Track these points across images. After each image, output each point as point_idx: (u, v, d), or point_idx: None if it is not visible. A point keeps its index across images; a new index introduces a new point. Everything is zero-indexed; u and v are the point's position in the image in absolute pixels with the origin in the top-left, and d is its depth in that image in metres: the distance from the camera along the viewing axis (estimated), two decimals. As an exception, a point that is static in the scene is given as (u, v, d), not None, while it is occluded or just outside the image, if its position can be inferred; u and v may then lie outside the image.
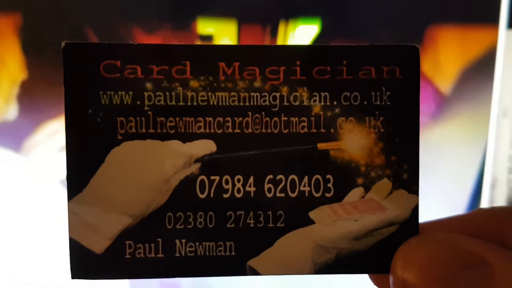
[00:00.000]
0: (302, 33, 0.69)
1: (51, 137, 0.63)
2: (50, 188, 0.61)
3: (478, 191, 0.65)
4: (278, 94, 0.21)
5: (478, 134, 0.66)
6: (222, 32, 0.69)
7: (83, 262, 0.21)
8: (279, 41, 0.70)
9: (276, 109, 0.21)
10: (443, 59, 0.65)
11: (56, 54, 0.64)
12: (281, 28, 0.70)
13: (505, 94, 0.65)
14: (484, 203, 0.65)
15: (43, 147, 0.62)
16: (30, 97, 0.63)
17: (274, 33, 0.69)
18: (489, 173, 0.65)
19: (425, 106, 0.65)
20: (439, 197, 0.64)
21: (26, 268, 0.59)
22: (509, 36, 0.65)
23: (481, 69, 0.65)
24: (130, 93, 0.20)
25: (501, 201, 0.65)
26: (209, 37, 0.68)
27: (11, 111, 0.62)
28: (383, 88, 0.22)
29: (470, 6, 0.64)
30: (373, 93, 0.22)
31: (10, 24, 0.60)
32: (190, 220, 0.21)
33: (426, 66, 0.65)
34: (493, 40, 0.65)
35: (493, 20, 0.64)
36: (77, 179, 0.21)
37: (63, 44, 0.21)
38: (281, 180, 0.21)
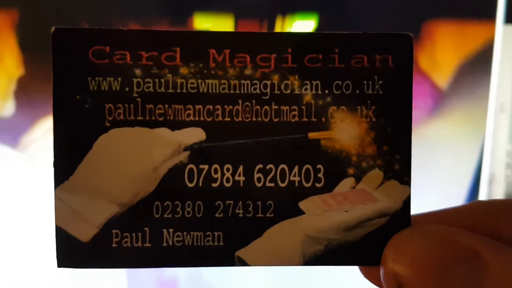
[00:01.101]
0: (299, 28, 0.69)
1: (48, 134, 0.63)
2: (47, 184, 0.61)
3: (475, 186, 0.65)
4: (269, 82, 0.21)
5: (476, 129, 0.66)
6: (219, 28, 0.69)
7: (69, 251, 0.20)
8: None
9: (266, 97, 0.21)
10: (440, 54, 0.65)
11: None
12: (278, 23, 0.70)
13: (502, 90, 0.65)
14: (482, 199, 0.65)
15: (40, 144, 0.62)
16: (27, 94, 0.63)
17: (271, 29, 0.69)
18: (486, 168, 0.65)
19: (422, 102, 0.65)
20: (437, 193, 0.64)
21: (21, 265, 0.60)
22: (506, 31, 0.64)
23: (478, 65, 0.65)
24: (119, 79, 0.20)
25: (499, 197, 0.65)
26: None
27: (8, 108, 0.62)
28: (376, 77, 0.21)
29: (467, 1, 0.64)
30: (365, 82, 0.21)
31: (7, 21, 0.60)
32: (178, 209, 0.21)
33: (423, 61, 0.65)
34: (490, 35, 0.65)
35: (490, 15, 0.64)
36: (64, 166, 0.20)
37: (52, 29, 0.20)
38: (271, 169, 0.21)
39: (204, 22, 0.68)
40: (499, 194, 0.65)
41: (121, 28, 0.20)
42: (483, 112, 0.65)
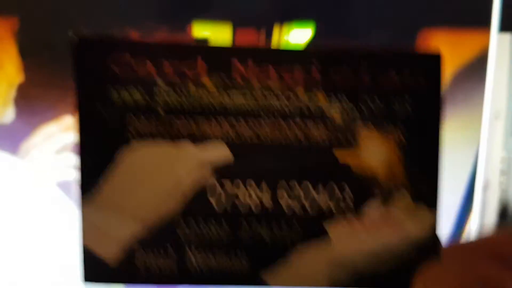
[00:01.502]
0: (296, 36, 0.69)
1: (48, 140, 0.64)
2: (47, 190, 0.61)
3: (470, 193, 0.66)
4: (293, 96, 0.20)
5: (471, 136, 0.66)
6: (218, 35, 0.69)
7: (94, 268, 0.20)
8: (274, 44, 0.70)
9: (291, 111, 0.20)
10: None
11: (53, 58, 0.65)
12: (276, 31, 0.70)
13: (497, 97, 0.66)
14: (477, 205, 0.65)
15: (40, 150, 0.62)
16: (27, 100, 0.63)
17: (268, 36, 0.70)
18: (481, 175, 0.66)
19: None
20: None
21: (23, 268, 0.60)
22: (500, 39, 0.65)
23: (473, 72, 0.66)
24: (141, 90, 0.20)
25: (493, 203, 0.66)
26: (204, 41, 0.69)
27: (8, 114, 0.62)
28: (405, 95, 0.21)
29: (462, 9, 0.65)
30: (394, 99, 0.20)
31: (7, 28, 0.61)
32: (202, 227, 0.20)
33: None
34: (485, 43, 0.65)
35: (485, 23, 0.65)
36: (89, 181, 0.20)
37: (74, 38, 0.20)
38: (294, 186, 0.20)
39: (202, 30, 0.68)
40: (493, 200, 0.66)
41: (143, 39, 0.20)
42: (478, 119, 0.66)
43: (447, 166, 0.67)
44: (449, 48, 0.66)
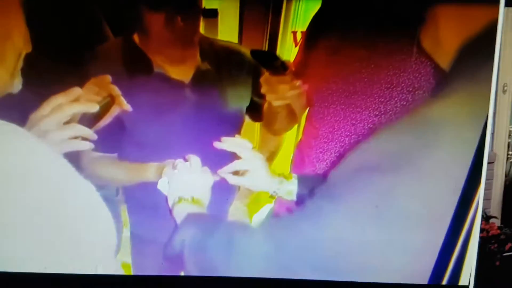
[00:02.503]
0: (305, 9, 0.69)
1: (56, 111, 0.64)
2: (54, 161, 0.61)
3: (477, 166, 0.66)
4: None
5: (478, 110, 0.67)
6: (226, 8, 0.70)
7: None
8: (283, 17, 0.71)
9: None
10: (444, 36, 0.66)
11: (60, 28, 0.65)
12: (284, 4, 0.70)
13: (504, 71, 0.66)
14: (483, 178, 0.66)
15: (48, 121, 0.63)
16: (35, 71, 0.63)
17: (277, 9, 0.70)
18: (488, 148, 0.66)
19: (425, 83, 0.66)
20: (439, 172, 0.65)
21: (32, 237, 0.60)
22: (508, 14, 0.65)
23: (481, 46, 0.66)
24: None
25: (500, 176, 0.66)
26: (214, 11, 0.69)
27: (16, 85, 0.62)
28: None
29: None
30: None
31: None
32: None
33: (427, 43, 0.66)
34: (493, 17, 0.65)
35: (493, -2, 0.65)
36: None
37: None
38: None
39: (211, 4, 0.69)
40: (500, 173, 0.66)
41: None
42: (485, 93, 0.66)
43: (454, 139, 0.67)
44: (457, 22, 0.66)
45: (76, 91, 0.65)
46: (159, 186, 0.73)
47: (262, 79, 0.72)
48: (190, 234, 0.69)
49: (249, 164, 0.73)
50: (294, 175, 0.74)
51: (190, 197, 0.73)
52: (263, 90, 0.72)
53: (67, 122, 0.64)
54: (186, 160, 0.73)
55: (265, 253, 0.68)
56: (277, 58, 0.72)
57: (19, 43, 0.61)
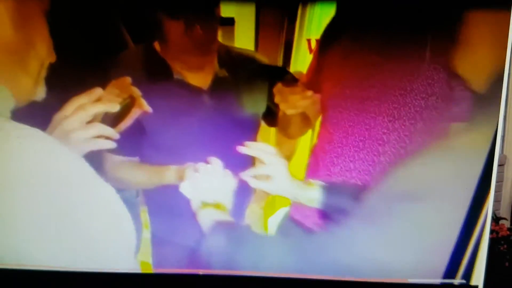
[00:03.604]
0: (319, 17, 0.71)
1: (78, 111, 0.64)
2: (76, 163, 0.61)
3: (488, 168, 0.67)
4: None
5: (490, 113, 0.67)
6: (243, 16, 0.71)
7: None
8: (297, 25, 0.72)
9: None
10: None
11: (82, 37, 0.66)
12: (299, 12, 0.72)
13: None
14: (494, 180, 0.67)
15: (71, 121, 0.63)
16: (59, 79, 0.64)
17: (292, 17, 0.71)
18: (498, 151, 0.67)
19: (438, 89, 0.67)
20: (452, 172, 0.66)
21: (52, 236, 0.60)
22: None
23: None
24: None
25: (510, 179, 0.67)
26: (230, 19, 0.71)
27: (40, 93, 0.63)
28: None
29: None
30: None
31: (39, 8, 0.61)
32: None
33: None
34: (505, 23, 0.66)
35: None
36: None
37: None
38: None
39: (228, 13, 0.69)
40: (510, 175, 0.68)
41: None
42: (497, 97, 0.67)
43: (467, 142, 0.68)
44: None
45: (98, 91, 0.66)
46: (181, 189, 0.73)
47: (275, 89, 0.74)
48: (218, 242, 0.69)
49: (272, 169, 0.73)
50: (318, 182, 0.74)
51: (213, 201, 0.73)
52: (276, 99, 0.74)
53: (89, 122, 0.65)
54: (207, 163, 0.73)
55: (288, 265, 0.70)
56: (287, 72, 0.74)
57: (43, 52, 0.62)
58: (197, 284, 0.75)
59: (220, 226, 0.71)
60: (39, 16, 0.61)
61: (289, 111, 0.74)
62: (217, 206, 0.73)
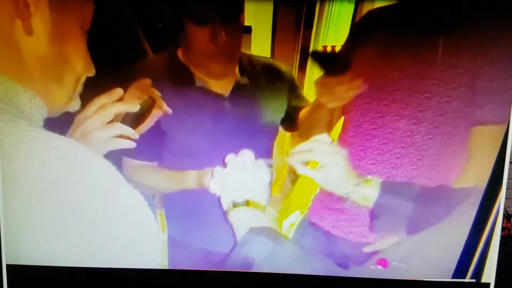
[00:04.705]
0: (335, 24, 0.72)
1: (100, 111, 0.65)
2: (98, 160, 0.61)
3: (499, 165, 0.68)
4: None
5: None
6: (259, 24, 0.72)
7: None
8: (313, 33, 0.75)
9: None
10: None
11: (115, 48, 0.67)
12: (315, 19, 0.73)
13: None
14: (505, 177, 0.68)
15: (92, 121, 0.65)
16: (94, 94, 0.66)
17: (310, 15, 0.72)
18: (510, 148, 0.68)
19: (462, 93, 0.68)
20: (465, 169, 0.69)
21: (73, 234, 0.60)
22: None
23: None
24: None
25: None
26: (248, 27, 0.72)
27: (74, 105, 0.64)
28: None
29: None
30: None
31: (76, 23, 0.62)
32: None
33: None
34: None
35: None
36: None
37: None
38: None
39: (246, 21, 0.70)
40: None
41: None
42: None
43: (479, 142, 0.69)
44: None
45: (119, 91, 0.68)
46: (211, 188, 0.71)
47: (317, 82, 0.71)
48: (253, 248, 0.66)
49: (326, 158, 0.68)
50: (377, 180, 0.71)
51: (245, 200, 0.68)
52: (318, 93, 0.72)
53: (110, 122, 0.66)
54: (237, 156, 0.70)
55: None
56: (338, 56, 0.72)
57: (79, 67, 0.63)
58: (213, 281, 0.74)
59: (256, 229, 0.67)
60: (78, 33, 0.62)
61: (331, 104, 0.72)
62: (250, 204, 0.69)
